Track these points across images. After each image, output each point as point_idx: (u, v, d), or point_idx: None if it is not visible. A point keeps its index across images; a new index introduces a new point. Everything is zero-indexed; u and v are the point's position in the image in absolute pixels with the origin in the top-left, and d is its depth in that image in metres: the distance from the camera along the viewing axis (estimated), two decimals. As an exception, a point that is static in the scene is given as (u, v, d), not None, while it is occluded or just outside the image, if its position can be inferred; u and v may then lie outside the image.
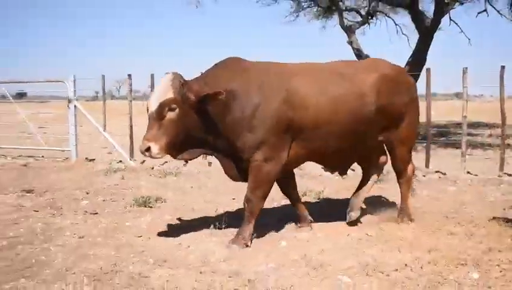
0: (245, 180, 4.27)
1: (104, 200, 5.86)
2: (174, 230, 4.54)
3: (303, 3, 17.90)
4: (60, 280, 3.34)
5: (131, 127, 9.18)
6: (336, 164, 4.82)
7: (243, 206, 4.28)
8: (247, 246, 4.08)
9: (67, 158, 9.30)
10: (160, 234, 4.42)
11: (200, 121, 3.98)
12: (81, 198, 6.03)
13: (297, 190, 4.80)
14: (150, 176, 7.45)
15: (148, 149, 3.80)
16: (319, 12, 18.32)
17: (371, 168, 4.95)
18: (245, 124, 4.02)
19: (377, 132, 4.55)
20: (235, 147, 4.11)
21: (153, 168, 8.03)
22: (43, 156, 9.73)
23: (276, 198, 5.54)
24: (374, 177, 4.96)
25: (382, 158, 4.94)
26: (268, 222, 4.55)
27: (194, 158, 4.41)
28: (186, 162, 6.16)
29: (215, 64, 4.29)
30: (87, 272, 3.48)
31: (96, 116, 9.49)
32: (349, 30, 16.22)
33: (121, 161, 8.70)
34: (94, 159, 9.06)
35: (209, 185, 6.96)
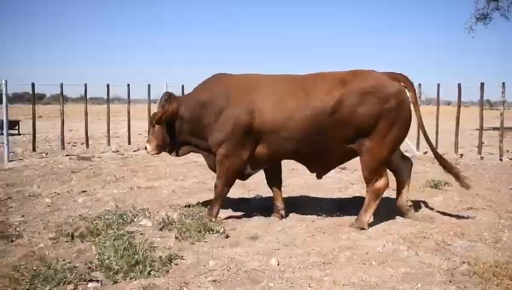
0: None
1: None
2: (461, 210, 5.32)
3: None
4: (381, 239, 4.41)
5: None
6: (310, 166, 5.14)
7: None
8: (212, 221, 4.73)
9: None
10: (452, 211, 5.32)
11: (180, 126, 5.09)
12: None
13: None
14: (433, 164, 8.12)
15: (146, 148, 5.25)
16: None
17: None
18: (210, 127, 4.89)
19: (343, 141, 4.71)
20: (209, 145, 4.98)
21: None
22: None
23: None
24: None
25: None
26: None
27: (184, 154, 5.42)
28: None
29: (203, 81, 5.22)
30: (402, 234, 4.45)
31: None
32: None
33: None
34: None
35: (486, 175, 7.71)
